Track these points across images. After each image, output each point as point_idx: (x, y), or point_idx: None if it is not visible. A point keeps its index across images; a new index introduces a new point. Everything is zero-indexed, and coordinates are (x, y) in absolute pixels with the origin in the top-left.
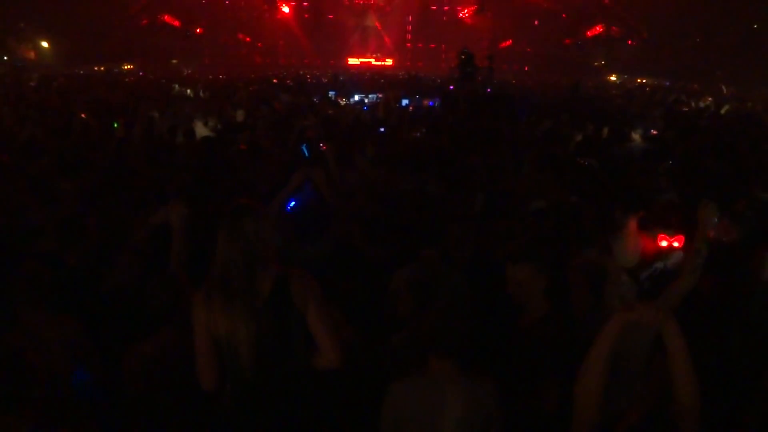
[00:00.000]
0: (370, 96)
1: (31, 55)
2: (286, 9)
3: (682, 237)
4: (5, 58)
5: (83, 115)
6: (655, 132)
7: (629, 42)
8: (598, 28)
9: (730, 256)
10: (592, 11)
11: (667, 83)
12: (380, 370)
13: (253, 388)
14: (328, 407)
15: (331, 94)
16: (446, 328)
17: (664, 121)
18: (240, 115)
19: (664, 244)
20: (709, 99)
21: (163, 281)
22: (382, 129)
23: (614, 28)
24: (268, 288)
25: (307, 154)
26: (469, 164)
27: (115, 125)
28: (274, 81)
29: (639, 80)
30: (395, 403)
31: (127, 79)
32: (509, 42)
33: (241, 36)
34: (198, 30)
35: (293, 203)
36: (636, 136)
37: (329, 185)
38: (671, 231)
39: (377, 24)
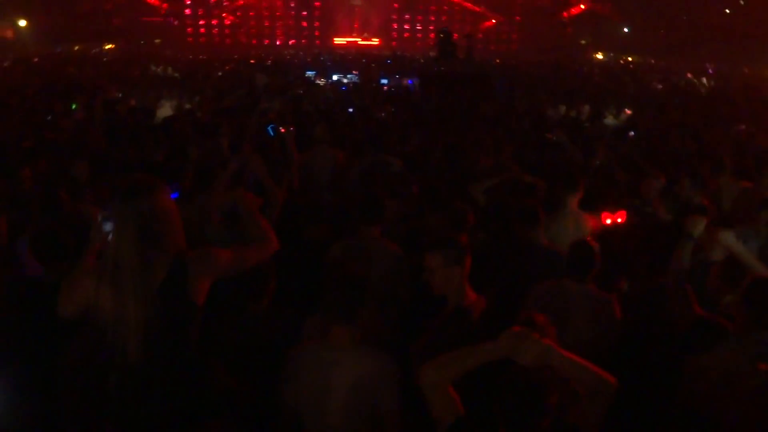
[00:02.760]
0: (348, 76)
1: (9, 34)
2: None
3: (624, 213)
4: None
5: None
6: (629, 111)
7: (616, 20)
8: (581, 6)
9: (667, 237)
10: None
11: (652, 61)
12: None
13: (137, 375)
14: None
15: (310, 73)
16: (344, 294)
17: (635, 99)
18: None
19: (608, 222)
20: (689, 75)
21: None
22: (350, 109)
23: (600, 6)
24: (162, 274)
25: (272, 134)
26: (416, 145)
27: (74, 106)
28: (252, 61)
29: (625, 58)
30: (290, 370)
31: (105, 59)
32: (492, 21)
33: (225, 15)
34: (185, 10)
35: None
36: (610, 115)
37: (268, 171)
38: (613, 208)
39: (363, 3)
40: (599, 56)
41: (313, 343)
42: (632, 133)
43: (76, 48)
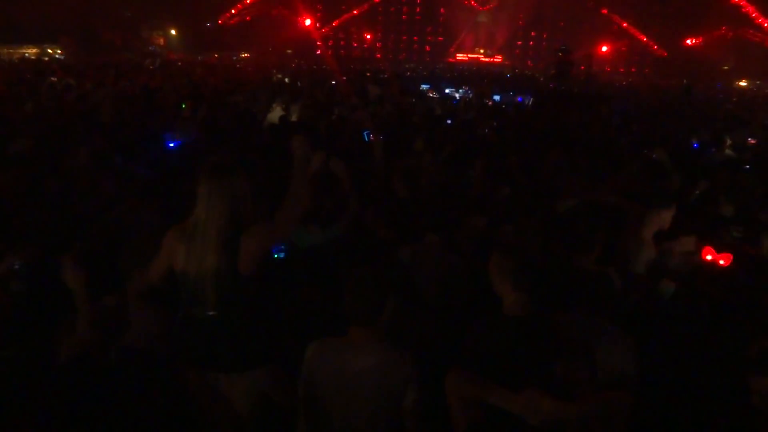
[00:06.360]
0: (460, 90)
1: (161, 41)
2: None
3: (730, 255)
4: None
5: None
6: (753, 141)
7: (764, 44)
8: (723, 29)
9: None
10: (719, 10)
11: None
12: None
13: (209, 320)
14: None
15: (424, 87)
16: (363, 297)
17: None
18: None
19: (708, 258)
20: None
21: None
22: (449, 121)
23: (746, 29)
24: (233, 245)
25: (367, 140)
26: (507, 162)
27: (183, 106)
28: (368, 74)
29: None
30: (310, 361)
31: (238, 66)
32: (627, 41)
33: (353, 30)
34: (309, 22)
35: None
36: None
37: (350, 174)
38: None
39: (488, 20)
40: (742, 83)
41: (332, 338)
42: (747, 166)
43: (216, 55)
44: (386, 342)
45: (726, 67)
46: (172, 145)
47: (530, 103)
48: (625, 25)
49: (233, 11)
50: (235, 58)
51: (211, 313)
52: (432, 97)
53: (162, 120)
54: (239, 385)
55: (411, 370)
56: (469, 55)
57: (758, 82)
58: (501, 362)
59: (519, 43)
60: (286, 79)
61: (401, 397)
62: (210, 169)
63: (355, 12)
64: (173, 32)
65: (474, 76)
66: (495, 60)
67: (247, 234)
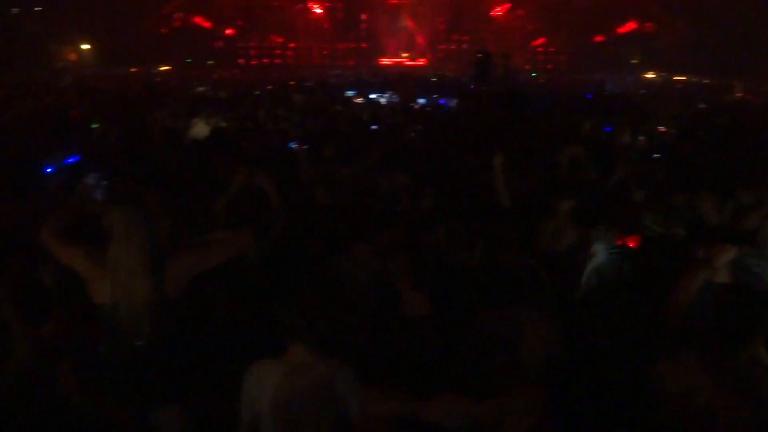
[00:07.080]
0: (385, 95)
1: (73, 57)
2: (318, 10)
3: (638, 238)
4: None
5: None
6: (662, 129)
7: (666, 38)
8: (630, 24)
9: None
10: (624, 7)
11: (707, 81)
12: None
13: (137, 350)
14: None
15: (350, 93)
16: (301, 312)
17: (672, 118)
18: (261, 116)
19: (618, 242)
20: (739, 95)
21: None
22: (374, 127)
23: (648, 23)
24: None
25: (293, 150)
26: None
27: (94, 125)
28: (291, 83)
29: (676, 78)
30: (251, 385)
31: (158, 79)
32: (542, 40)
33: (273, 37)
34: (229, 31)
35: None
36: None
37: (275, 188)
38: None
39: (410, 24)
40: (650, 75)
41: (270, 359)
42: (656, 155)
43: (132, 70)
44: (325, 355)
45: (634, 61)
46: (49, 170)
47: (454, 105)
48: (539, 24)
49: (150, 24)
50: (153, 71)
51: (139, 343)
52: (358, 103)
53: (73, 141)
54: (171, 416)
55: (353, 380)
56: (393, 60)
57: (664, 74)
58: (409, 366)
59: (442, 47)
60: (208, 92)
61: (347, 409)
62: (122, 201)
63: (277, 20)
64: (86, 47)
65: (398, 80)
66: (419, 63)
67: (173, 258)
